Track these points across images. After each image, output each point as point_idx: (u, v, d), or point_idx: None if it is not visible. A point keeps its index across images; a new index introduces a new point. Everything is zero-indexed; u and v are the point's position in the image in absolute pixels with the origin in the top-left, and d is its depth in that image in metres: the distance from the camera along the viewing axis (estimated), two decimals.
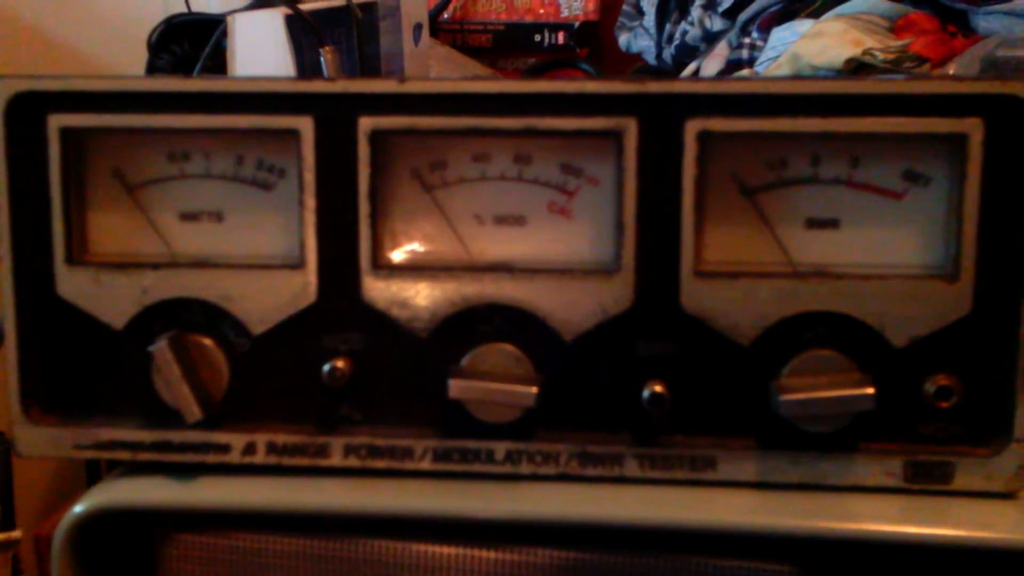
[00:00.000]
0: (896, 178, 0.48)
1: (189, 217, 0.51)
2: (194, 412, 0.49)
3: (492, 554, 0.52)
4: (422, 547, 0.51)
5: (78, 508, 0.50)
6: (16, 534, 1.18)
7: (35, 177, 0.50)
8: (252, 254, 0.50)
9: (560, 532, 0.50)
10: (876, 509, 0.47)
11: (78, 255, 0.51)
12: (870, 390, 0.46)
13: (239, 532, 0.53)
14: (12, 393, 0.51)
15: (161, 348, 0.48)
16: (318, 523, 0.52)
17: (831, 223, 0.48)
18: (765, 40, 1.00)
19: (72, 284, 0.50)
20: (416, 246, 0.50)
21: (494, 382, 0.48)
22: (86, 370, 0.51)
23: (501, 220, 0.50)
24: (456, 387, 0.48)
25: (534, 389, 0.47)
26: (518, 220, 0.49)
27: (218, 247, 0.51)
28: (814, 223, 0.48)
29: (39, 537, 1.43)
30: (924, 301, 0.47)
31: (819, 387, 0.47)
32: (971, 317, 0.47)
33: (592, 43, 1.49)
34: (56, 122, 0.49)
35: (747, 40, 1.06)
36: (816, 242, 0.48)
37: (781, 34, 0.95)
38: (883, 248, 0.48)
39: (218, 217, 0.51)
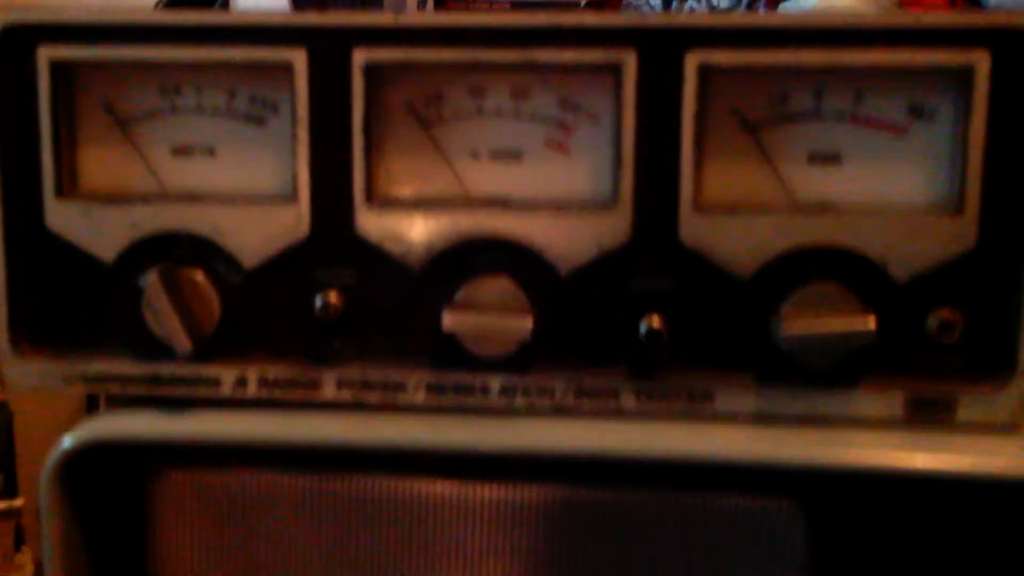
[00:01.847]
0: (900, 113, 0.47)
1: (181, 152, 0.50)
2: (184, 344, 0.48)
3: (489, 491, 0.51)
4: (417, 484, 0.51)
5: (66, 442, 0.50)
6: (18, 502, 1.18)
7: (25, 110, 0.49)
8: (244, 188, 0.49)
9: (558, 469, 0.50)
10: (877, 441, 0.47)
11: (68, 189, 0.50)
12: (871, 324, 0.45)
13: (231, 469, 0.52)
14: (1, 326, 0.50)
15: (151, 280, 0.48)
16: (311, 460, 0.52)
17: (833, 158, 0.48)
18: None
19: (62, 217, 0.50)
20: (411, 181, 0.49)
21: (489, 314, 0.47)
22: (76, 304, 0.51)
23: (497, 156, 0.49)
24: (450, 319, 0.47)
25: (529, 321, 0.47)
26: (515, 156, 0.49)
27: (210, 182, 0.50)
28: (816, 158, 0.48)
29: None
30: (928, 235, 0.46)
31: (820, 321, 0.46)
32: (975, 251, 0.46)
33: None
34: (46, 54, 0.49)
35: None
36: (818, 178, 0.48)
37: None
38: (886, 183, 0.47)
39: (210, 152, 0.50)
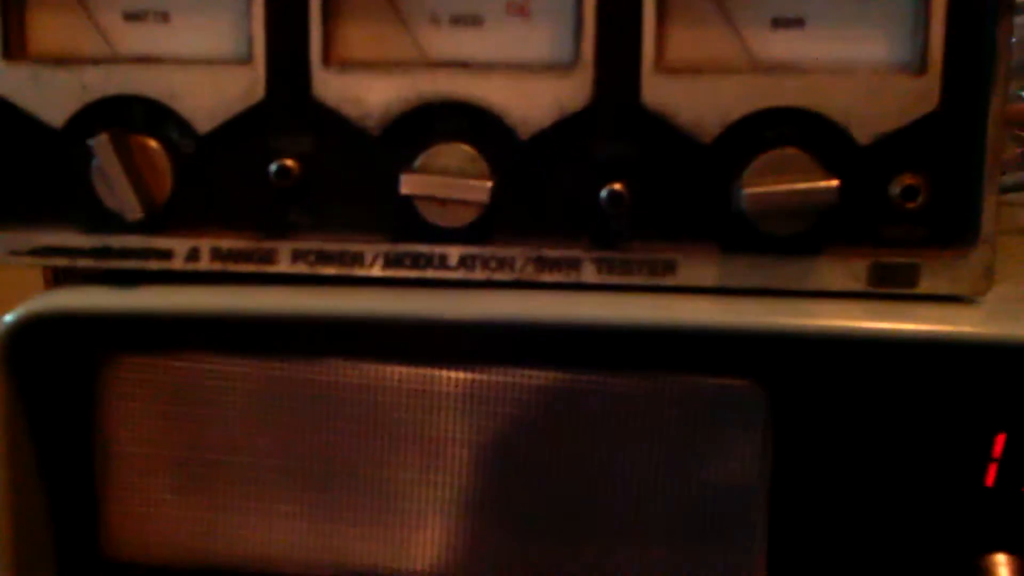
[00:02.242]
0: None
1: (133, 16, 0.49)
2: (135, 210, 0.47)
3: (454, 373, 0.50)
4: (374, 368, 0.50)
5: (9, 317, 0.48)
6: None
7: None
8: (199, 53, 0.48)
9: (516, 352, 0.50)
10: (839, 310, 0.46)
11: (16, 51, 0.49)
12: (834, 182, 0.45)
13: (184, 352, 0.51)
14: None
15: (101, 140, 0.47)
16: (265, 342, 0.51)
17: (796, 22, 0.47)
18: None
19: (9, 80, 0.49)
20: (369, 45, 0.48)
21: (447, 178, 0.46)
22: (23, 172, 0.49)
23: (457, 20, 0.48)
24: (408, 181, 0.47)
25: (488, 183, 0.46)
26: (475, 20, 0.48)
27: (164, 48, 0.49)
28: (779, 23, 0.47)
29: None
30: (890, 96, 0.46)
31: (782, 183, 0.46)
32: (938, 113, 0.46)
33: None
34: None
35: None
36: (781, 41, 0.47)
37: None
38: (849, 45, 0.47)
39: (164, 17, 0.49)
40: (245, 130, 0.48)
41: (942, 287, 0.47)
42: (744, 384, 0.49)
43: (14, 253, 0.49)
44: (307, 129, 0.48)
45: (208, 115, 0.48)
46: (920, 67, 0.46)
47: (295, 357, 0.51)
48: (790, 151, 0.46)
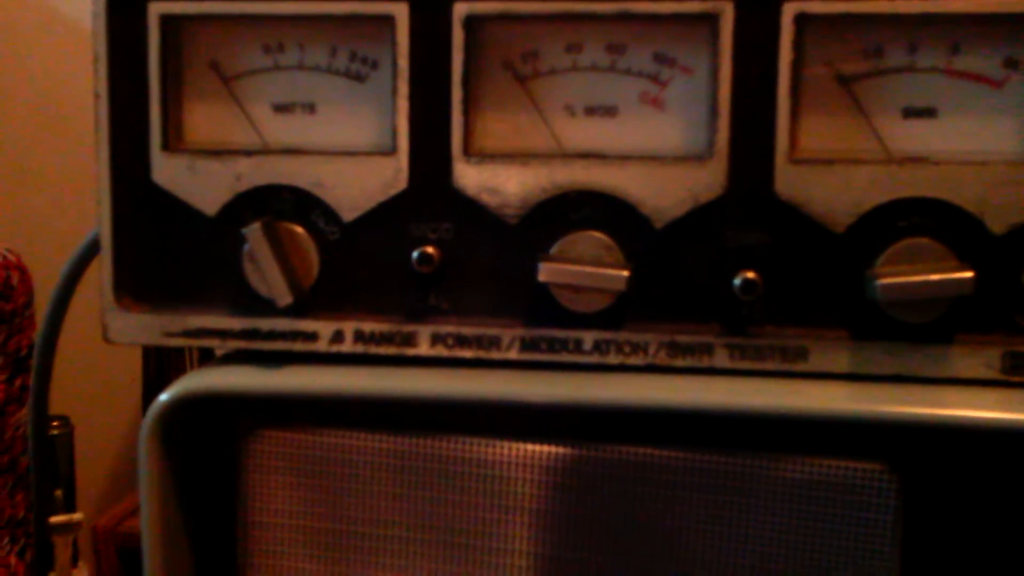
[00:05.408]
0: (996, 65, 0.47)
1: (282, 108, 0.52)
2: (285, 295, 0.49)
3: (577, 451, 0.51)
4: (508, 444, 0.51)
5: (165, 396, 0.50)
6: (78, 516, 1.19)
7: (135, 65, 0.50)
8: (344, 144, 0.50)
9: (645, 432, 0.50)
10: (972, 398, 0.46)
11: (174, 143, 0.51)
12: (969, 273, 0.45)
13: (325, 428, 0.53)
14: (106, 281, 0.52)
15: (253, 229, 0.49)
16: (404, 420, 0.52)
17: (928, 112, 0.48)
18: None
19: (167, 171, 0.51)
20: (506, 135, 0.50)
21: (584, 266, 0.47)
22: (178, 258, 0.52)
23: (592, 111, 0.50)
24: (546, 270, 0.48)
25: (624, 272, 0.47)
26: (609, 111, 0.49)
27: (310, 138, 0.51)
28: (911, 112, 0.48)
29: (97, 529, 1.44)
30: None
31: (916, 273, 0.46)
32: None
33: None
34: (156, 9, 0.50)
35: None
36: (913, 131, 0.48)
37: None
38: (981, 136, 0.47)
39: (311, 108, 0.51)
40: (388, 218, 0.50)
41: None
42: (876, 468, 0.48)
43: (169, 334, 0.51)
44: (447, 217, 0.49)
45: (353, 204, 0.50)
46: None
47: (430, 435, 0.52)
48: (923, 241, 0.47)
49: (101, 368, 1.46)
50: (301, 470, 0.54)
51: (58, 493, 1.12)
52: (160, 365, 1.40)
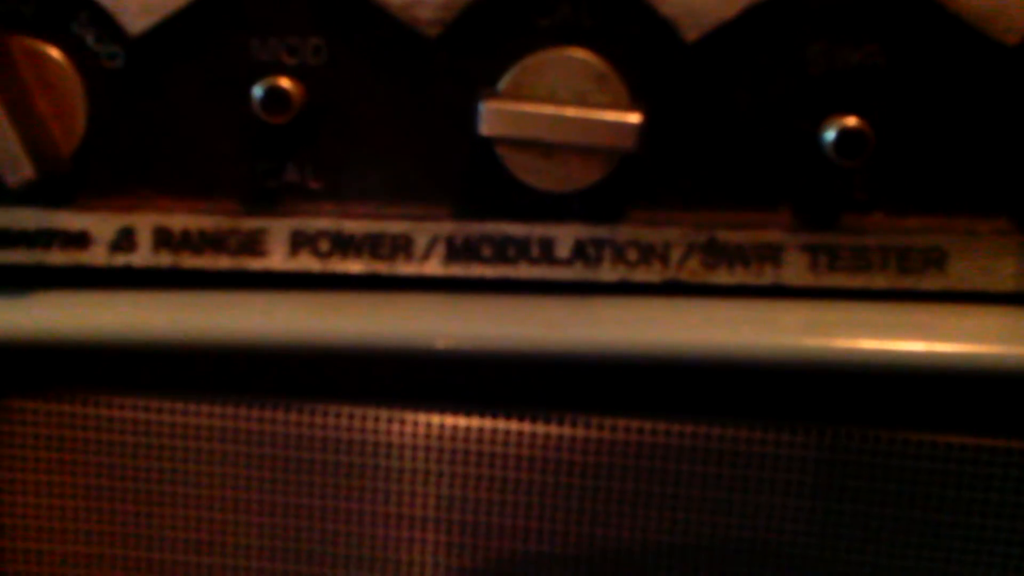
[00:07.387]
0: None
1: None
2: (23, 168, 0.33)
3: (525, 426, 0.36)
4: (416, 417, 0.36)
5: None
6: None
7: None
8: None
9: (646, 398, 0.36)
10: None
11: None
12: None
13: (109, 394, 0.37)
14: None
15: None
16: (247, 383, 0.37)
17: None
18: None
19: None
20: None
21: (561, 106, 0.31)
22: None
23: None
24: (493, 116, 0.31)
25: (632, 118, 0.31)
26: None
27: None
28: None
29: None
30: None
31: None
32: None
33: None
34: None
35: None
36: None
37: None
38: None
39: None
40: (209, 28, 0.33)
41: None
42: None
43: None
44: (315, 27, 0.33)
45: (144, 3, 0.32)
46: None
47: (285, 403, 0.36)
48: None
49: None
50: (72, 463, 0.37)
51: None
52: None
